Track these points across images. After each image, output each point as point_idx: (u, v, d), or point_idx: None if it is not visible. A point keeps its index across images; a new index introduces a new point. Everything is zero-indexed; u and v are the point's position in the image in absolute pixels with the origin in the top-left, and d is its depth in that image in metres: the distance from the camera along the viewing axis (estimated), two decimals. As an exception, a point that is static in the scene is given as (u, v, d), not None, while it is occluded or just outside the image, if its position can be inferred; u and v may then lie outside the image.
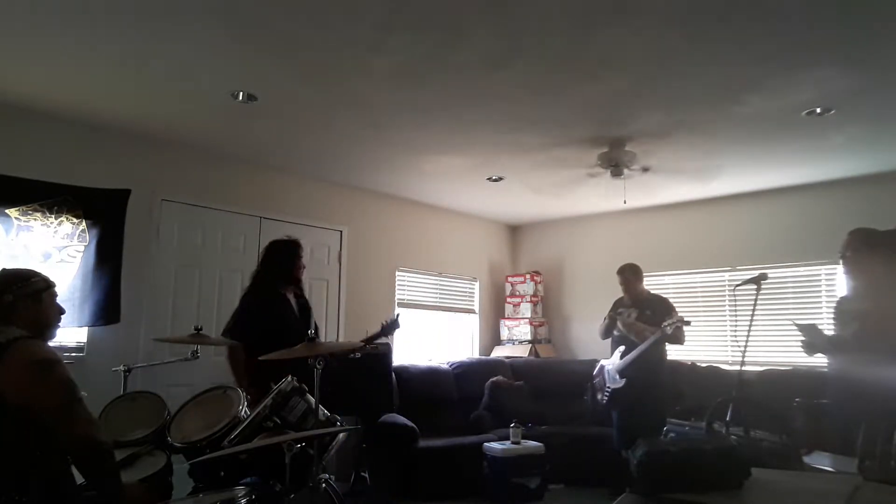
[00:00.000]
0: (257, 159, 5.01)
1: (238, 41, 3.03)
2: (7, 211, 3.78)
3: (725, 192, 5.80)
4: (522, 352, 6.67)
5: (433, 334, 6.63)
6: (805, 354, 3.21)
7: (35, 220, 3.89)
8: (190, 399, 2.94)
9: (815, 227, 5.34)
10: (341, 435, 2.81)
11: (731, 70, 3.29)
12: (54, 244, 3.97)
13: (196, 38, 3.00)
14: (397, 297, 6.20)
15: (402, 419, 4.82)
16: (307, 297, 3.75)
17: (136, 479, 2.36)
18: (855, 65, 3.21)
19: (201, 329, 3.29)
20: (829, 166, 4.97)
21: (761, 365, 5.16)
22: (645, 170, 4.92)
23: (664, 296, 4.82)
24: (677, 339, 4.37)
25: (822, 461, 2.55)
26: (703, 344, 5.85)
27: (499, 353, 6.82)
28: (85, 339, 4.10)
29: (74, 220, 4.05)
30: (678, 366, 5.14)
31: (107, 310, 4.07)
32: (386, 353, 4.91)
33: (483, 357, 6.74)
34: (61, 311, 2.11)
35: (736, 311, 4.60)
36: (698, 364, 5.48)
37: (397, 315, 3.92)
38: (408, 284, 6.36)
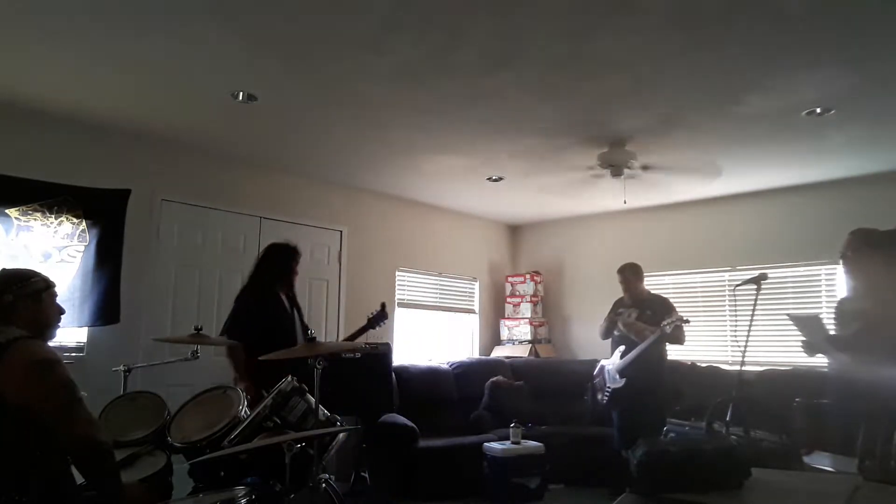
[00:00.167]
0: (257, 159, 5.01)
1: (238, 41, 3.03)
2: (7, 211, 3.78)
3: (725, 192, 5.80)
4: (522, 352, 6.67)
5: (433, 334, 6.63)
6: (805, 354, 3.21)
7: (35, 220, 3.89)
8: (190, 399, 2.94)
9: (815, 227, 5.34)
10: (341, 435, 2.81)
11: (731, 70, 3.29)
12: (54, 244, 3.97)
13: (196, 38, 3.00)
14: (397, 297, 6.20)
15: (402, 419, 4.82)
16: (299, 301, 3.83)
17: (136, 479, 2.35)
18: (855, 65, 3.21)
19: (201, 329, 3.29)
20: (829, 166, 4.97)
21: (761, 365, 5.16)
22: (645, 170, 4.93)
23: (664, 296, 4.82)
24: (677, 338, 4.37)
25: (822, 461, 2.55)
26: (703, 344, 5.85)
27: (499, 353, 6.82)
28: (85, 339, 4.10)
29: (74, 220, 4.05)
30: (678, 366, 5.14)
31: (106, 310, 4.07)
32: (386, 353, 4.91)
33: (483, 357, 6.74)
34: (61, 311, 2.11)
35: (736, 311, 4.59)
36: (698, 364, 5.48)
37: (383, 305, 3.94)
38: (408, 284, 6.36)
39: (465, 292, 7.02)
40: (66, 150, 4.10)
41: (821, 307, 5.33)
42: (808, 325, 3.20)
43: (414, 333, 6.39)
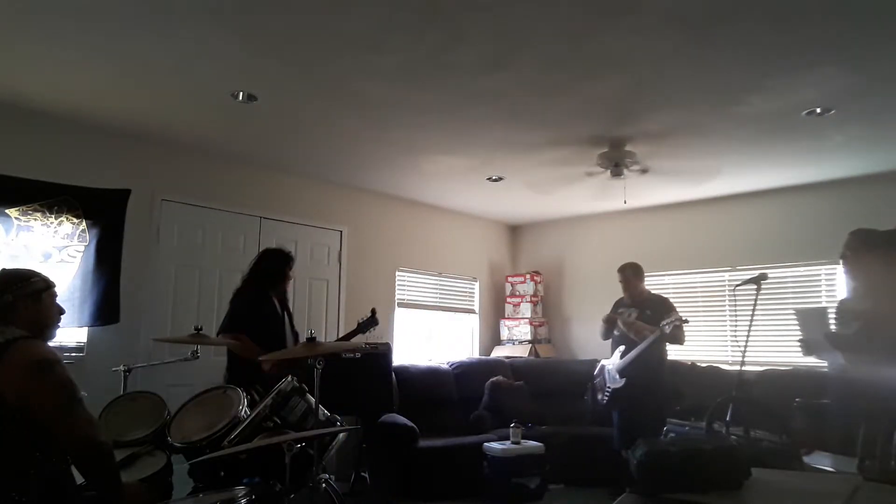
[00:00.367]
0: (257, 159, 5.02)
1: (238, 41, 3.03)
2: (7, 211, 3.78)
3: (725, 192, 5.80)
4: (522, 352, 6.67)
5: (433, 334, 6.63)
6: (806, 356, 3.21)
7: (35, 220, 3.89)
8: (190, 399, 2.94)
9: (815, 227, 5.34)
10: (341, 435, 2.81)
11: (731, 70, 3.29)
12: (54, 244, 3.97)
13: (196, 38, 3.00)
14: (397, 297, 6.20)
15: (402, 419, 4.82)
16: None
17: (136, 479, 2.36)
18: (855, 65, 3.21)
19: (201, 329, 3.30)
20: (829, 166, 4.97)
21: (761, 365, 5.16)
22: (645, 170, 4.93)
23: (664, 296, 4.82)
24: (677, 338, 4.37)
25: (822, 461, 2.55)
26: (703, 344, 5.85)
27: (499, 353, 6.82)
28: (85, 339, 4.10)
29: (74, 220, 4.05)
30: (678, 366, 5.14)
31: (106, 310, 4.07)
32: (386, 353, 4.91)
33: (483, 357, 6.74)
34: (61, 312, 2.11)
35: (736, 311, 4.60)
36: (698, 364, 5.48)
37: (373, 311, 4.01)
38: (408, 284, 6.36)
39: (465, 292, 7.02)
40: (66, 150, 4.10)
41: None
42: (811, 320, 3.20)
43: (414, 333, 6.39)
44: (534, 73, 3.36)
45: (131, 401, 3.01)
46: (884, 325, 2.73)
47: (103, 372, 3.55)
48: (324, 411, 2.84)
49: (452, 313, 6.84)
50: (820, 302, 5.40)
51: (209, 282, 4.73)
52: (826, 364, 3.32)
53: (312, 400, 2.76)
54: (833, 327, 3.10)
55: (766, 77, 3.37)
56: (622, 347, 4.54)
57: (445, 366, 6.01)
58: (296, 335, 3.91)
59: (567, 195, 5.90)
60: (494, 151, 4.72)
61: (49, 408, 1.80)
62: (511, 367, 6.17)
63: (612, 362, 4.63)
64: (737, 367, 3.49)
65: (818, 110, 3.79)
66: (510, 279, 7.14)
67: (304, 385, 2.85)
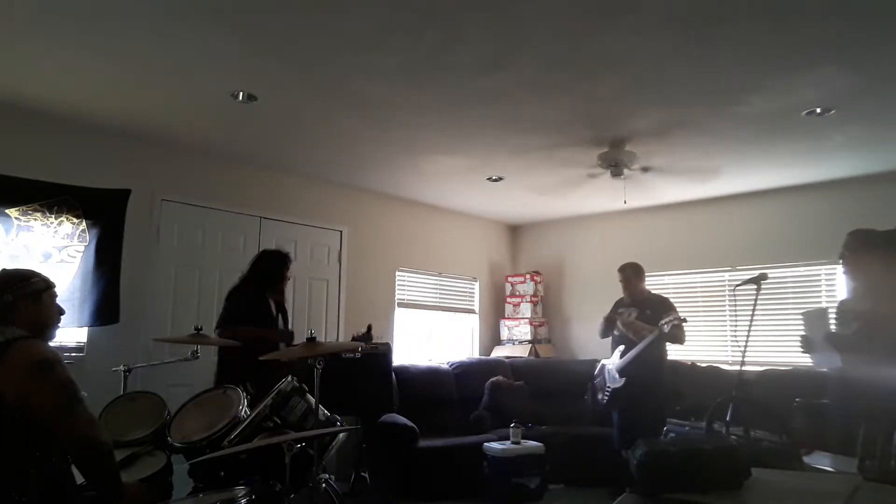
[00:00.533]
0: (257, 159, 5.01)
1: (238, 41, 3.03)
2: (7, 211, 3.78)
3: (725, 192, 5.80)
4: (522, 352, 6.66)
5: (433, 334, 6.63)
6: (805, 354, 3.20)
7: (35, 220, 3.89)
8: (190, 399, 2.94)
9: (815, 227, 5.34)
10: (341, 435, 2.81)
11: (731, 70, 3.29)
12: (54, 244, 3.97)
13: (196, 38, 3.00)
14: (397, 297, 6.20)
15: (402, 419, 4.82)
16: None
17: (136, 479, 2.36)
18: (855, 65, 3.21)
19: (201, 329, 3.31)
20: (829, 166, 4.97)
21: (761, 365, 5.16)
22: (645, 170, 4.93)
23: (665, 296, 4.82)
24: (676, 337, 4.37)
25: (822, 461, 2.55)
26: (703, 344, 5.85)
27: (499, 353, 6.82)
28: (85, 339, 4.10)
29: (74, 220, 4.05)
30: (678, 366, 5.14)
31: (106, 310, 4.07)
32: (386, 353, 4.91)
33: (483, 357, 6.74)
34: (61, 312, 2.11)
35: (736, 311, 4.60)
36: (698, 364, 5.47)
37: (369, 327, 4.09)
38: (408, 284, 6.36)
39: (465, 292, 7.02)
40: (66, 150, 4.10)
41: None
42: (814, 321, 3.20)
43: (414, 333, 6.39)
44: (534, 73, 3.36)
45: (131, 401, 3.01)
46: (883, 325, 2.73)
47: (103, 372, 3.55)
48: (324, 411, 2.84)
49: (452, 313, 6.84)
50: (820, 302, 5.39)
51: (209, 282, 4.73)
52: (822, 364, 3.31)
53: (312, 400, 2.76)
54: (833, 328, 3.10)
55: (766, 77, 3.37)
56: (622, 347, 4.54)
57: (445, 366, 6.01)
58: (291, 335, 3.95)
59: (567, 195, 5.90)
60: (494, 151, 4.72)
61: (49, 407, 1.80)
62: (511, 367, 6.17)
63: (612, 362, 4.63)
64: (737, 367, 3.49)
65: (818, 110, 3.79)
66: (510, 279, 7.14)
67: (304, 385, 2.85)
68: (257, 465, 2.54)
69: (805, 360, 3.41)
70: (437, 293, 6.68)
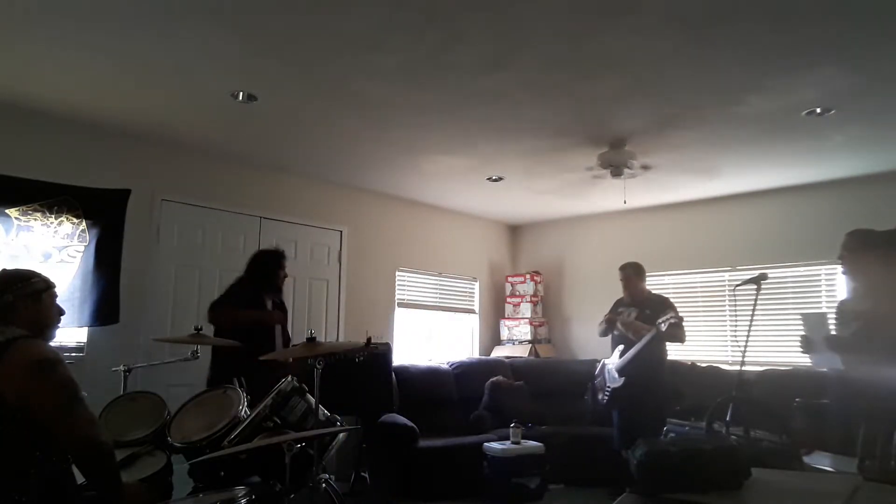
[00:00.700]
0: (257, 159, 5.01)
1: (238, 41, 3.03)
2: (7, 211, 3.78)
3: (725, 192, 5.80)
4: (522, 352, 6.66)
5: (433, 334, 6.63)
6: (804, 354, 3.20)
7: (35, 220, 3.89)
8: (190, 399, 2.94)
9: (815, 227, 5.34)
10: (341, 435, 2.81)
11: (731, 70, 3.29)
12: (54, 244, 3.97)
13: (196, 38, 3.00)
14: (397, 297, 6.20)
15: (402, 419, 4.82)
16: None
17: (136, 479, 2.35)
18: (855, 65, 3.21)
19: (201, 329, 3.31)
20: (829, 166, 4.97)
21: (761, 365, 5.16)
22: (645, 169, 4.93)
23: (665, 295, 4.82)
24: (676, 336, 4.37)
25: (822, 461, 2.55)
26: (703, 344, 5.85)
27: (499, 353, 6.82)
28: (85, 339, 4.10)
29: (74, 220, 4.05)
30: (678, 366, 5.14)
31: (106, 310, 4.07)
32: (386, 353, 4.91)
33: (483, 357, 6.74)
34: (61, 312, 2.11)
35: (736, 311, 4.60)
36: (698, 364, 5.48)
37: (368, 340, 4.11)
38: (408, 284, 6.36)
39: (465, 292, 7.02)
40: (66, 150, 4.10)
41: (821, 307, 5.34)
42: (814, 323, 3.20)
43: (414, 333, 6.39)
44: (534, 73, 3.36)
45: (131, 401, 3.01)
46: (883, 325, 2.73)
47: (103, 372, 3.55)
48: (324, 411, 2.84)
49: (452, 313, 6.84)
50: (820, 302, 5.40)
51: (209, 282, 4.73)
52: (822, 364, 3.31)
53: (312, 400, 2.76)
54: (833, 329, 3.10)
55: (766, 77, 3.37)
56: (621, 346, 4.54)
57: (445, 366, 6.01)
58: (286, 340, 3.94)
59: (567, 195, 5.90)
60: (494, 151, 4.72)
61: (49, 407, 1.80)
62: (511, 367, 6.16)
63: (611, 361, 4.63)
64: (737, 367, 3.49)
65: (818, 110, 3.79)
66: (510, 279, 7.14)
67: (304, 385, 2.85)
68: (257, 465, 2.54)
69: (805, 360, 3.40)
70: (437, 293, 6.67)
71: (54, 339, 2.10)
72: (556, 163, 4.92)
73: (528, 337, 6.74)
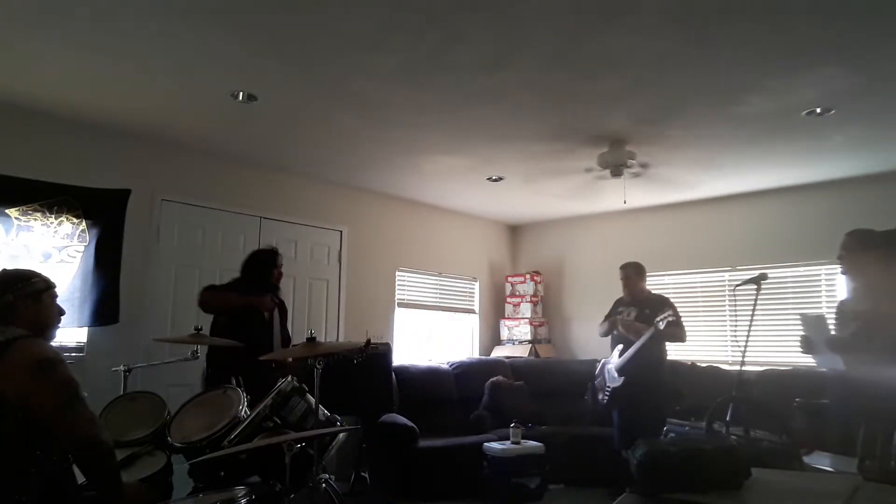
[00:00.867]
0: (257, 159, 5.01)
1: (238, 41, 3.03)
2: (7, 211, 3.78)
3: (725, 192, 5.80)
4: (522, 352, 6.66)
5: (433, 334, 6.63)
6: (805, 354, 3.20)
7: (35, 220, 3.89)
8: (190, 399, 2.94)
9: (815, 227, 5.34)
10: (341, 435, 2.81)
11: (731, 70, 3.29)
12: (54, 244, 3.97)
13: (196, 38, 3.00)
14: (397, 297, 6.20)
15: (402, 419, 4.82)
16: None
17: (136, 479, 2.35)
18: (855, 65, 3.21)
19: (201, 329, 3.32)
20: (829, 166, 4.97)
21: (761, 365, 5.16)
22: (645, 170, 4.92)
23: (665, 296, 4.81)
24: (676, 335, 4.37)
25: (822, 461, 2.56)
26: (703, 344, 5.85)
27: (499, 353, 6.82)
28: (85, 339, 4.10)
29: (74, 220, 4.05)
30: (678, 366, 5.14)
31: (106, 310, 4.07)
32: (386, 353, 4.91)
33: (483, 357, 6.74)
34: (61, 312, 2.11)
35: (736, 311, 4.60)
36: (698, 364, 5.48)
37: (367, 342, 4.11)
38: (408, 284, 6.36)
39: (465, 292, 7.02)
40: (66, 150, 4.10)
41: (821, 307, 5.34)
42: (813, 325, 3.20)
43: (414, 333, 6.39)
44: (534, 73, 3.36)
45: (131, 401, 3.01)
46: (883, 325, 2.73)
47: (103, 372, 3.55)
48: (324, 411, 2.84)
49: (452, 313, 6.84)
50: (820, 302, 5.40)
51: (209, 282, 4.69)
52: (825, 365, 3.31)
53: (312, 400, 2.76)
54: (833, 330, 3.10)
55: (766, 77, 3.37)
56: (621, 346, 4.54)
57: (445, 366, 6.01)
58: (286, 339, 3.92)
59: (567, 195, 5.90)
60: (494, 151, 4.72)
61: (50, 406, 1.80)
62: (511, 367, 6.16)
63: (611, 361, 4.63)
64: (737, 367, 3.49)
65: (818, 110, 3.79)
66: (510, 279, 7.14)
67: (304, 385, 2.85)
68: (257, 465, 2.54)
69: (805, 360, 3.41)
70: (437, 293, 6.67)
71: (54, 339, 2.10)
72: (556, 163, 4.92)
73: (528, 337, 6.74)
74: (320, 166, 5.22)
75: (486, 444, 4.79)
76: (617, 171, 4.51)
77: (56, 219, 3.98)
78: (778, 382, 4.72)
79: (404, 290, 6.31)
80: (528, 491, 4.60)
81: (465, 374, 5.88)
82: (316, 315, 5.44)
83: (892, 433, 2.31)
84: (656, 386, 4.40)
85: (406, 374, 5.49)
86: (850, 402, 2.77)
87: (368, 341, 4.13)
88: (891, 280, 2.86)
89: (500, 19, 2.80)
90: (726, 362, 5.61)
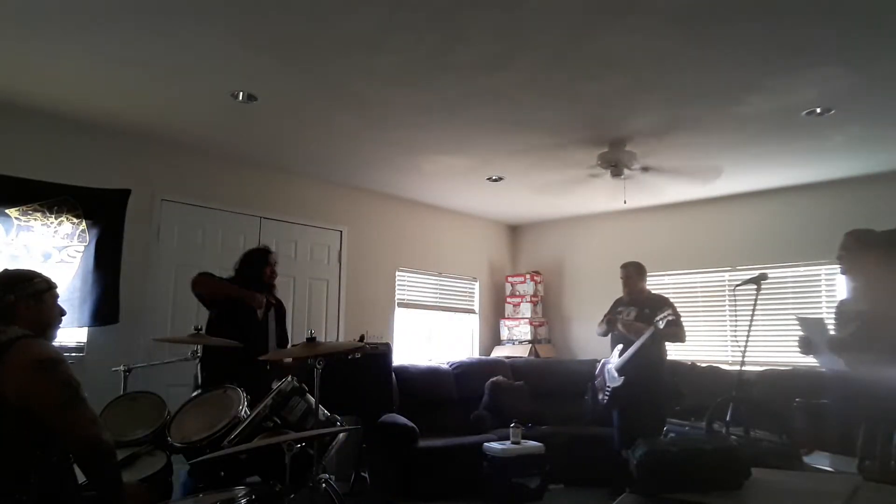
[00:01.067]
0: (257, 159, 5.01)
1: (238, 41, 3.03)
2: (7, 211, 3.78)
3: (725, 192, 5.80)
4: (522, 352, 6.66)
5: (433, 334, 6.63)
6: (804, 355, 3.20)
7: (35, 220, 3.89)
8: (190, 399, 2.94)
9: (815, 227, 5.34)
10: (341, 435, 2.81)
11: (731, 70, 3.29)
12: (54, 244, 3.97)
13: (196, 38, 3.00)
14: (397, 297, 6.20)
15: (402, 419, 4.82)
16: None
17: (136, 479, 2.35)
18: (855, 65, 3.21)
19: (201, 329, 3.31)
20: (829, 166, 4.97)
21: (761, 365, 5.16)
22: (645, 169, 4.93)
23: (665, 295, 4.81)
24: (676, 335, 4.37)
25: (822, 461, 2.55)
26: (703, 344, 5.85)
27: (499, 353, 6.82)
28: (85, 339, 4.10)
29: (74, 220, 4.05)
30: (678, 366, 5.14)
31: (106, 310, 4.07)
32: (386, 353, 4.91)
33: (483, 357, 6.74)
34: (62, 313, 2.11)
35: (736, 311, 4.60)
36: (698, 364, 5.47)
37: (361, 337, 4.09)
38: (408, 284, 6.36)
39: (465, 292, 7.02)
40: (66, 150, 4.10)
41: (821, 307, 5.34)
42: (812, 327, 3.20)
43: (414, 333, 6.39)
44: (534, 73, 3.36)
45: (131, 401, 3.01)
46: (882, 325, 2.73)
47: (103, 372, 3.54)
48: (324, 411, 2.84)
49: (452, 313, 6.84)
50: (820, 302, 5.40)
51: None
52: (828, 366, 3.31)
53: (312, 400, 2.76)
54: (832, 331, 3.10)
55: (766, 77, 3.37)
56: (620, 346, 4.54)
57: (445, 366, 6.01)
58: (283, 339, 3.91)
59: (567, 195, 5.90)
60: (494, 151, 4.72)
61: (51, 406, 1.80)
62: (511, 367, 6.16)
63: (611, 361, 4.63)
64: (737, 367, 3.49)
65: (818, 110, 3.79)
66: (510, 279, 7.14)
67: (304, 385, 2.85)
68: (257, 465, 2.54)
69: (805, 360, 3.41)
70: (437, 293, 6.67)
71: (55, 340, 2.10)
72: (557, 162, 4.92)
73: (528, 337, 6.74)
74: (320, 166, 5.22)
75: (486, 444, 4.79)
76: (617, 171, 4.50)
77: (56, 219, 3.98)
78: (778, 382, 4.72)
79: (404, 290, 6.31)
80: (528, 491, 4.60)
81: (465, 374, 5.88)
82: (316, 315, 5.44)
83: (892, 433, 2.31)
84: (656, 386, 4.40)
85: (406, 374, 5.49)
86: (850, 402, 2.77)
87: (362, 337, 4.12)
88: (891, 280, 2.86)
89: (500, 19, 2.80)
90: (726, 362, 5.61)
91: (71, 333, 4.04)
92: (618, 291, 4.83)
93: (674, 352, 4.70)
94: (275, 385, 2.91)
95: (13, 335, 1.83)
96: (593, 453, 4.93)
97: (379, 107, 3.86)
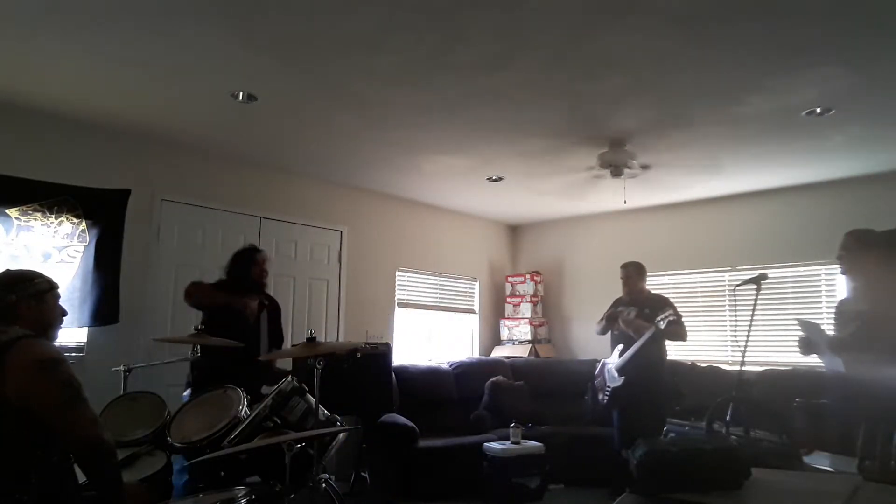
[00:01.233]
0: (257, 159, 5.02)
1: (238, 41, 3.03)
2: (7, 211, 3.78)
3: (725, 192, 5.80)
4: (522, 352, 6.67)
5: (433, 334, 6.63)
6: (804, 356, 3.20)
7: (35, 220, 3.89)
8: (190, 399, 2.94)
9: (815, 227, 5.34)
10: (341, 435, 2.81)
11: (731, 70, 3.29)
12: (54, 244, 3.97)
13: (196, 38, 3.00)
14: (397, 297, 6.20)
15: (402, 419, 4.82)
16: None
17: (136, 479, 2.35)
18: (855, 65, 3.21)
19: (201, 329, 3.30)
20: (829, 166, 4.97)
21: (761, 365, 5.16)
22: (645, 170, 4.93)
23: (665, 295, 4.81)
24: (676, 334, 4.37)
25: (822, 461, 2.55)
26: (703, 344, 5.85)
27: (499, 353, 6.82)
28: (85, 339, 4.10)
29: (74, 220, 4.05)
30: (678, 366, 5.14)
31: (106, 310, 4.07)
32: (386, 353, 4.91)
33: (483, 357, 6.74)
34: (64, 313, 2.11)
35: (736, 311, 4.60)
36: (698, 364, 5.48)
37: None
38: (408, 284, 6.36)
39: (465, 292, 7.02)
40: (66, 150, 4.10)
41: (821, 307, 5.34)
42: (812, 328, 3.20)
43: (414, 333, 6.39)
44: (534, 73, 3.36)
45: (131, 401, 3.00)
46: (882, 325, 2.73)
47: (103, 372, 3.54)
48: (324, 411, 2.84)
49: (452, 313, 6.84)
50: (820, 302, 5.40)
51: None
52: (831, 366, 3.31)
53: (312, 400, 2.76)
54: (832, 331, 3.10)
55: (766, 77, 3.37)
56: (621, 346, 4.54)
57: (445, 366, 6.01)
58: (278, 340, 3.89)
59: (567, 195, 5.90)
60: (494, 151, 4.72)
61: (52, 406, 1.80)
62: (511, 367, 6.17)
63: (611, 361, 4.63)
64: (737, 367, 3.49)
65: (818, 110, 3.79)
66: (510, 279, 7.14)
67: (304, 385, 2.85)
68: (257, 465, 2.54)
69: (805, 360, 3.41)
70: (437, 293, 6.68)
71: (56, 340, 2.10)
72: (557, 163, 4.92)
73: (528, 337, 6.74)
74: (320, 166, 5.22)
75: (486, 444, 4.79)
76: (617, 171, 4.50)
77: (56, 219, 3.98)
78: (778, 382, 4.72)
79: (404, 290, 6.31)
80: (528, 491, 4.60)
81: (465, 374, 5.88)
82: (316, 315, 5.44)
83: (892, 433, 2.31)
84: (656, 386, 4.40)
85: (406, 374, 5.49)
86: (850, 402, 2.77)
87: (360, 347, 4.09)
88: (891, 280, 2.86)
89: (500, 19, 2.80)
90: (726, 362, 5.61)
91: (71, 333, 4.04)
92: (618, 291, 4.83)
93: (674, 352, 4.70)
94: (264, 390, 2.89)
95: (14, 335, 1.83)
96: (593, 453, 4.93)
97: (379, 107, 3.86)
